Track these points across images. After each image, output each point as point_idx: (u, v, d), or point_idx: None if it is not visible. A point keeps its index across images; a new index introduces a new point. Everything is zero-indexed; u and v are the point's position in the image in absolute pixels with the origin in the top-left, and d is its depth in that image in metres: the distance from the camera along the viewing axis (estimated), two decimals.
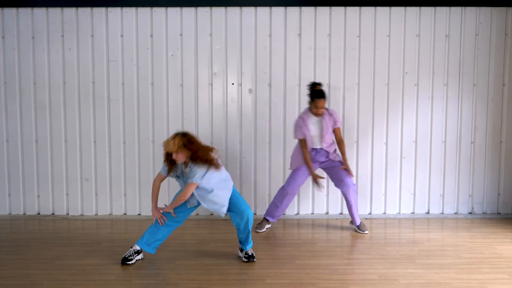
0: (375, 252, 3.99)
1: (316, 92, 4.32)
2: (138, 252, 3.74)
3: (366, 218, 5.08)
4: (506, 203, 5.26)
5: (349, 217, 5.11)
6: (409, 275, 3.47)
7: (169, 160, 3.61)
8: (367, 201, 5.22)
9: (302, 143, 4.47)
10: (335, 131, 4.51)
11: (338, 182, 4.52)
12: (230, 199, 3.71)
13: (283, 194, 4.57)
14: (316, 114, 4.38)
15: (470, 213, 5.28)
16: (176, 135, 3.53)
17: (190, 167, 3.58)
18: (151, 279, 3.40)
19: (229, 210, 3.73)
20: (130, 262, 3.67)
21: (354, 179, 5.19)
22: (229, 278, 3.42)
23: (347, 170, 4.48)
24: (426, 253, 3.95)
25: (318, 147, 4.49)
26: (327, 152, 4.50)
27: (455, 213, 5.26)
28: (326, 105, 4.62)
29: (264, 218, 4.71)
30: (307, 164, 4.45)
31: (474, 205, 5.27)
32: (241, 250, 3.81)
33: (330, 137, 4.49)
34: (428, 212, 5.26)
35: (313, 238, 4.42)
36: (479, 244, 4.20)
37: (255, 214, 5.22)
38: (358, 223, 4.60)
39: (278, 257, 3.87)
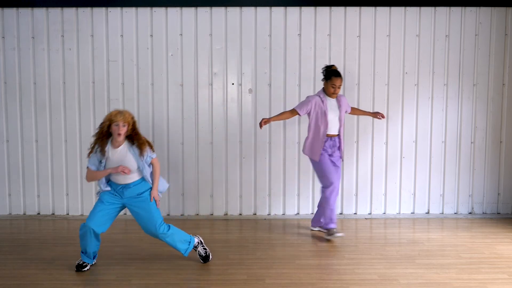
0: (375, 252, 3.98)
1: (333, 72, 4.26)
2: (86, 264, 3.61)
3: (366, 218, 5.08)
4: (506, 203, 5.26)
5: (350, 217, 5.11)
6: (409, 275, 3.47)
7: (104, 136, 3.46)
8: (367, 201, 5.22)
9: (293, 113, 4.33)
10: (352, 110, 4.59)
11: None
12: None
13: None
14: (332, 95, 4.29)
15: (470, 213, 5.28)
16: (119, 110, 3.48)
17: (132, 147, 3.47)
18: (151, 279, 3.40)
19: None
20: (85, 269, 3.56)
21: (354, 177, 5.20)
22: (229, 278, 3.42)
23: (378, 115, 4.53)
24: (426, 253, 3.95)
25: (335, 133, 4.33)
26: (339, 146, 4.36)
27: (455, 213, 5.26)
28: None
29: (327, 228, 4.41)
30: (278, 117, 4.34)
31: (474, 205, 5.27)
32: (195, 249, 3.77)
33: (343, 123, 4.40)
34: (428, 212, 5.26)
35: (313, 238, 4.41)
36: (479, 244, 4.20)
37: (255, 214, 5.22)
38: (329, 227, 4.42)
39: (278, 257, 3.87)
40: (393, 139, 5.18)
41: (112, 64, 5.08)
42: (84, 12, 5.04)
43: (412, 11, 5.07)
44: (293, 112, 4.34)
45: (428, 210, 5.26)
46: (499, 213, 5.26)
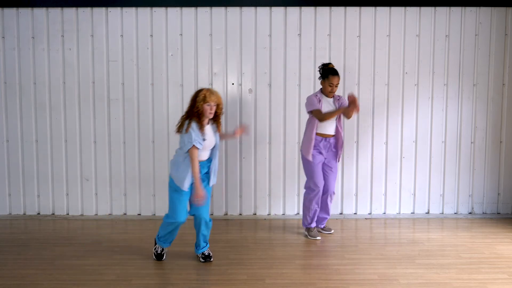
0: (375, 252, 3.99)
1: (331, 70, 4.23)
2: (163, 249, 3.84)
3: (366, 218, 5.08)
4: (506, 203, 5.26)
5: (350, 217, 5.12)
6: (409, 275, 3.47)
7: (200, 115, 3.50)
8: (367, 201, 5.22)
9: (315, 114, 4.22)
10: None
11: (325, 186, 4.40)
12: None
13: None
14: (330, 94, 4.25)
15: (470, 213, 5.28)
16: (208, 88, 3.60)
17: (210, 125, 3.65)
18: (151, 279, 3.40)
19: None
20: (164, 257, 3.82)
21: (354, 179, 5.19)
22: (229, 278, 3.42)
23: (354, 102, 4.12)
24: (426, 253, 3.95)
25: (330, 133, 4.30)
26: (336, 144, 4.35)
27: (455, 213, 5.26)
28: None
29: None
30: (332, 114, 4.17)
31: (474, 205, 5.27)
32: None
33: (341, 124, 4.37)
34: (428, 212, 5.26)
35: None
36: (479, 244, 4.20)
37: (255, 214, 5.22)
38: (322, 226, 4.59)
39: (278, 257, 3.87)
40: (393, 139, 5.18)
41: (112, 64, 5.08)
42: (84, 12, 5.04)
43: (412, 11, 5.07)
44: (313, 113, 4.24)
45: (428, 210, 5.26)
46: (499, 213, 5.26)
